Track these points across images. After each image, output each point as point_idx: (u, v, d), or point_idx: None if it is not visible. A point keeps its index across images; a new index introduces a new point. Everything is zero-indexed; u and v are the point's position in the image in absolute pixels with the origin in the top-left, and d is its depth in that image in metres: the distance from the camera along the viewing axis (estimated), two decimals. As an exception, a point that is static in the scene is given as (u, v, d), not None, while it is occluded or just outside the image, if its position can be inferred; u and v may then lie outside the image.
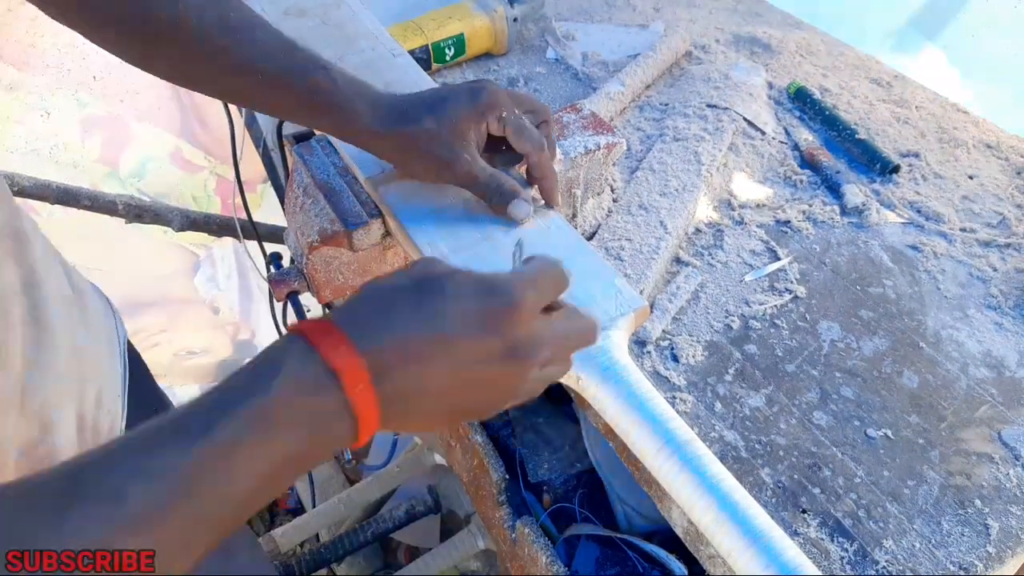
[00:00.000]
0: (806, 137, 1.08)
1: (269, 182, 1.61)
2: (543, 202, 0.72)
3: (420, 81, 0.97)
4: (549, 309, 0.51)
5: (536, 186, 0.71)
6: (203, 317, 2.15)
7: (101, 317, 0.74)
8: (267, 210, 1.71)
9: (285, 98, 0.67)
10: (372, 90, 0.67)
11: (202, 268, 2.25)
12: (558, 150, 0.79)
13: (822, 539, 0.64)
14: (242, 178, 1.42)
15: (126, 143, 1.45)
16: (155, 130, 1.46)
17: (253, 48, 0.65)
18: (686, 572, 0.91)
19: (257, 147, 1.57)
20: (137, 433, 0.37)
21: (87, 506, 0.34)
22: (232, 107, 1.49)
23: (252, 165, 1.72)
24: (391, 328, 0.44)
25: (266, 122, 1.59)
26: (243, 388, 0.40)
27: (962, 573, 0.62)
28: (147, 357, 0.89)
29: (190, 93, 1.47)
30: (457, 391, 0.46)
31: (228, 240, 2.20)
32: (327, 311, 1.80)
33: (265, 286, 2.09)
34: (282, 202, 1.67)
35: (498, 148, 0.70)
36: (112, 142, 1.43)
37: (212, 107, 1.51)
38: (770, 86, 1.17)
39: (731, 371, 0.77)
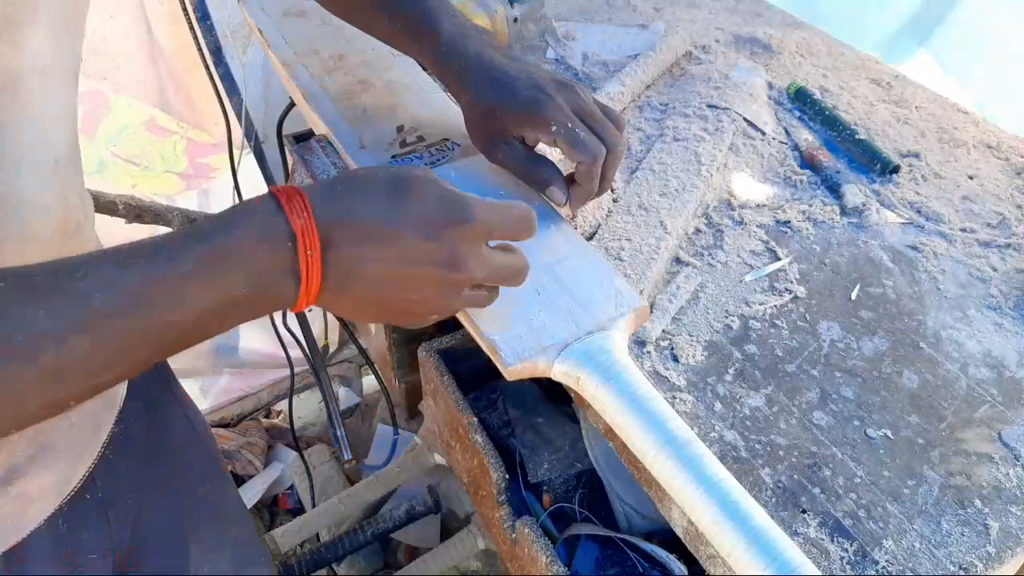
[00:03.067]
0: (806, 137, 1.08)
1: (249, 152, 1.62)
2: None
3: (420, 81, 0.97)
4: (506, 249, 0.56)
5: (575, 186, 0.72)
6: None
7: None
8: (252, 187, 1.70)
9: (404, 41, 0.76)
10: (474, 36, 0.72)
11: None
12: None
13: (822, 539, 0.64)
14: (215, 140, 1.44)
15: (104, 115, 1.47)
16: (131, 101, 1.49)
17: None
18: (686, 572, 0.91)
19: (249, 140, 1.57)
20: (119, 249, 0.43)
21: (56, 299, 0.39)
22: (230, 109, 1.49)
23: (222, 127, 1.69)
24: (353, 210, 0.49)
25: (258, 115, 1.59)
26: (211, 229, 0.45)
27: (962, 573, 0.62)
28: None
29: (168, 66, 1.49)
30: (392, 284, 0.50)
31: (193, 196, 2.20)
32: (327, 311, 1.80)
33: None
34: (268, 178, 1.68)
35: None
36: (92, 114, 1.46)
37: (192, 79, 1.53)
38: (770, 86, 1.17)
39: (731, 371, 0.77)
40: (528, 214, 0.56)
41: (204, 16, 1.40)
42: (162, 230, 2.01)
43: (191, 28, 1.38)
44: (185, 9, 1.35)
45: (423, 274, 0.51)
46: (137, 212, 1.59)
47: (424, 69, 0.92)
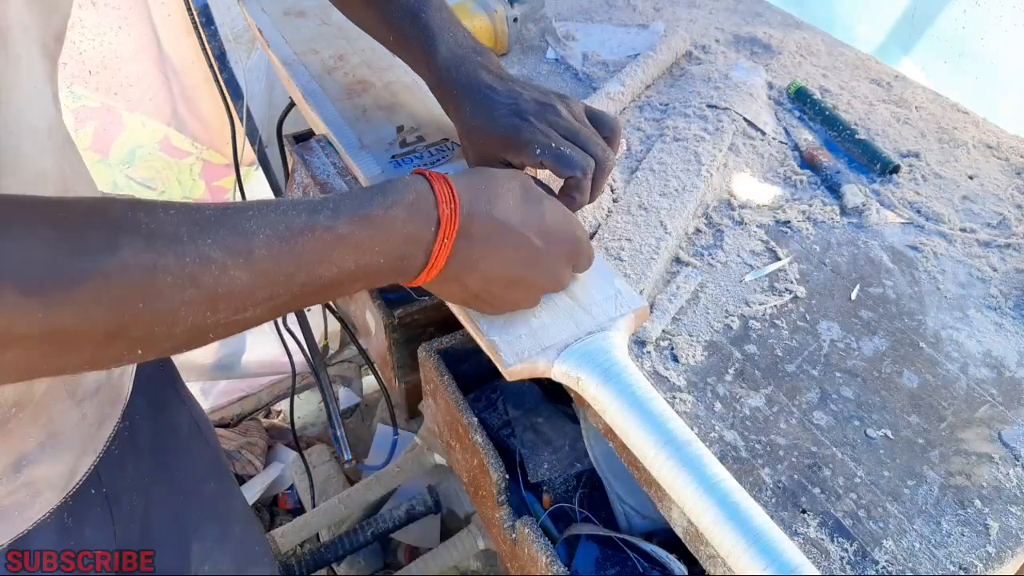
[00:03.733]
0: (806, 137, 1.08)
1: (258, 167, 1.62)
2: None
3: (420, 81, 0.97)
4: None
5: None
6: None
7: None
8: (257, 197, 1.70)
9: (406, 58, 0.79)
10: (468, 57, 0.73)
11: None
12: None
13: (822, 539, 0.64)
14: (226, 161, 1.43)
15: (117, 132, 1.46)
16: (145, 120, 1.48)
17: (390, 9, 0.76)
18: (686, 572, 0.91)
19: (253, 144, 1.57)
20: (284, 200, 0.47)
21: (224, 232, 0.42)
22: (233, 111, 1.49)
23: (245, 153, 1.70)
24: (492, 208, 0.55)
25: (262, 120, 1.59)
26: (370, 199, 0.50)
27: (962, 573, 0.62)
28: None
29: (180, 83, 1.48)
30: (501, 282, 0.57)
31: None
32: (326, 310, 1.80)
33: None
34: (274, 187, 1.67)
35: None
36: (104, 131, 1.45)
37: (203, 95, 1.52)
38: (770, 86, 1.17)
39: (731, 371, 0.77)
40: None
41: (208, 21, 1.40)
42: None
43: (197, 33, 1.38)
44: (190, 9, 1.35)
45: (529, 281, 0.59)
46: (137, 212, 1.59)
47: None
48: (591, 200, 0.71)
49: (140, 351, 0.42)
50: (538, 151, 0.67)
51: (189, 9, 1.36)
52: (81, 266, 0.37)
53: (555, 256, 0.59)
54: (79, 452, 0.66)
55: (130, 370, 0.75)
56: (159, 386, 0.83)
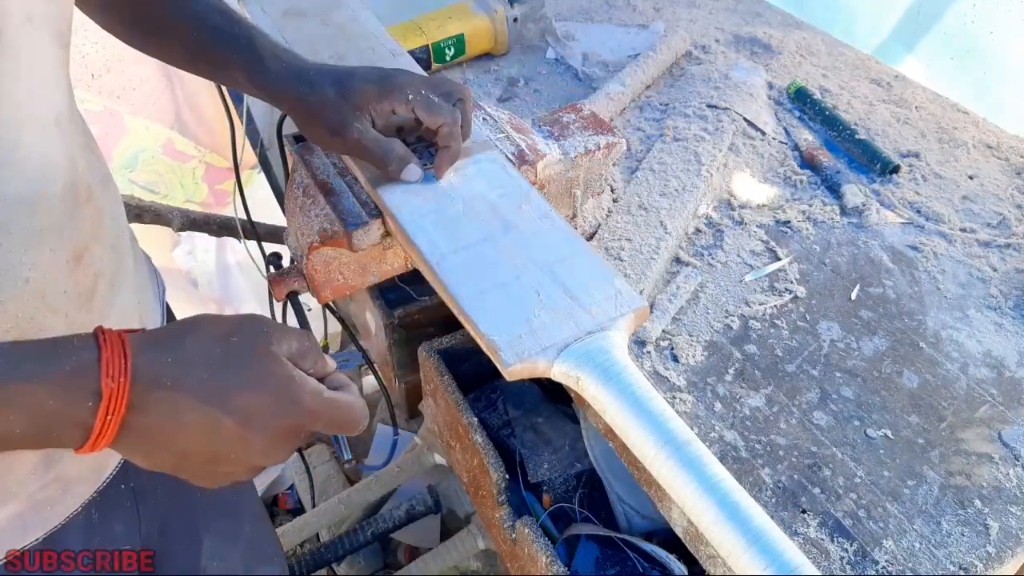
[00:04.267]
0: (806, 137, 1.08)
1: (260, 170, 1.62)
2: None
3: (420, 81, 0.97)
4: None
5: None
6: (182, 290, 2.16)
7: (146, 269, 0.81)
8: (258, 201, 1.70)
9: (216, 56, 0.73)
10: (291, 55, 0.72)
11: (181, 244, 2.25)
12: (555, 147, 0.79)
13: (822, 539, 0.64)
14: (227, 165, 1.43)
15: (120, 136, 1.46)
16: (148, 123, 1.48)
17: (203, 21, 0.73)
18: (686, 572, 0.91)
19: (254, 147, 1.57)
20: None
21: None
22: (234, 113, 1.49)
23: (247, 155, 1.70)
24: (178, 381, 0.46)
25: (263, 122, 1.59)
26: (17, 363, 0.43)
27: (962, 573, 0.62)
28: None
29: (184, 87, 1.47)
30: (194, 457, 0.48)
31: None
32: (326, 310, 1.80)
33: (243, 259, 2.08)
34: (281, 203, 1.67)
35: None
36: (107, 135, 1.45)
37: (205, 99, 1.52)
38: (770, 86, 1.17)
39: (731, 371, 0.77)
40: (357, 415, 0.53)
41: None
42: (163, 230, 2.02)
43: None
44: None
45: (234, 458, 0.49)
46: (137, 212, 1.59)
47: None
48: (444, 156, 0.72)
49: None
50: (411, 96, 0.69)
51: None
52: None
53: (262, 431, 0.48)
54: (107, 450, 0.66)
55: None
56: None
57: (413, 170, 0.71)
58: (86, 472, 0.65)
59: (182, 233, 2.27)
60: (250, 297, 2.19)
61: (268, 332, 0.49)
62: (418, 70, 0.97)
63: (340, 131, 0.68)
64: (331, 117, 0.69)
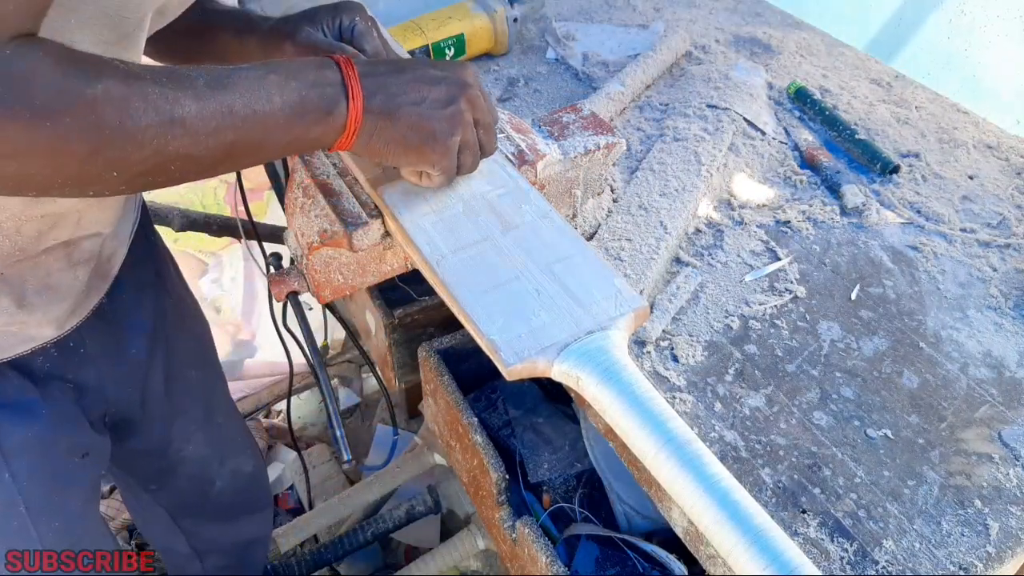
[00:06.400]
0: (806, 137, 1.08)
1: (273, 190, 1.62)
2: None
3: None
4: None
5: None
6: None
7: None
8: (272, 218, 1.71)
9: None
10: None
11: (209, 272, 2.25)
12: (555, 147, 0.80)
13: (822, 539, 0.64)
14: (248, 186, 1.43)
15: None
16: None
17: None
18: (686, 572, 0.91)
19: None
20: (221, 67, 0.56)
21: (176, 75, 0.53)
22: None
23: (258, 173, 1.72)
24: (386, 56, 0.72)
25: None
26: (281, 61, 0.60)
27: (962, 573, 0.62)
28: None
29: None
30: (425, 97, 0.64)
31: (237, 247, 2.21)
32: (327, 311, 1.80)
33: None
34: (282, 203, 1.67)
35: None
36: None
37: None
38: (770, 86, 1.17)
39: (731, 371, 0.77)
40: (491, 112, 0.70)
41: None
42: (190, 260, 2.03)
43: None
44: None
45: (444, 90, 0.64)
46: (137, 212, 1.59)
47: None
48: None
49: (115, 173, 0.51)
50: (356, 24, 0.80)
51: None
52: (74, 90, 0.47)
53: (454, 80, 0.65)
54: (69, 309, 0.77)
55: (120, 252, 0.84)
56: (146, 274, 0.93)
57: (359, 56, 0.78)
58: (47, 322, 0.75)
59: (209, 261, 2.28)
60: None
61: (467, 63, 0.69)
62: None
63: (293, 36, 0.77)
64: (292, 31, 0.78)
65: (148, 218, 0.97)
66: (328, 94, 0.59)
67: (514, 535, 0.99)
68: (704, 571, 0.70)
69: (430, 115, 0.64)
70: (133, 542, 1.53)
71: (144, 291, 0.92)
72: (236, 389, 2.08)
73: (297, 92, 0.57)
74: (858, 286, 0.86)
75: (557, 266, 0.67)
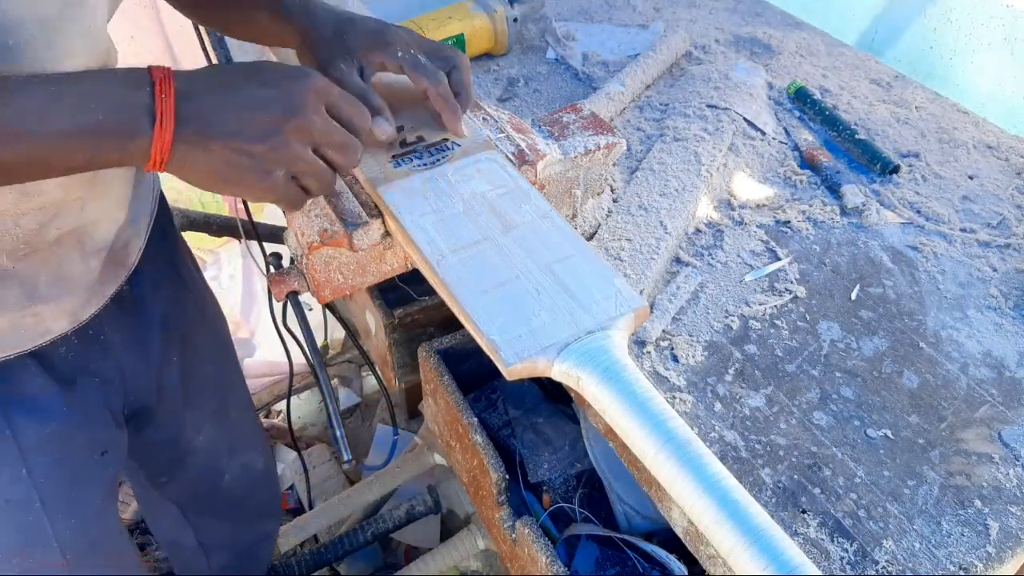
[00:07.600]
0: (806, 137, 1.08)
1: None
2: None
3: (420, 81, 0.97)
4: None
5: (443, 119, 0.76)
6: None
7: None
8: (271, 218, 1.70)
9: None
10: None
11: (207, 270, 2.25)
12: (555, 147, 0.79)
13: (822, 539, 0.64)
14: None
15: None
16: None
17: None
18: (686, 572, 0.91)
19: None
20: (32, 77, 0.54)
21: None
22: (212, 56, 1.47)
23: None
24: (210, 70, 0.58)
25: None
26: (87, 72, 0.56)
27: (962, 573, 0.62)
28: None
29: None
30: (237, 121, 0.56)
31: (235, 245, 2.20)
32: (327, 311, 1.80)
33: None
34: None
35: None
36: None
37: None
38: (770, 86, 1.17)
39: (731, 371, 0.77)
40: (362, 107, 0.63)
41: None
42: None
43: (200, 41, 1.37)
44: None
45: (267, 118, 0.57)
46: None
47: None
48: (467, 105, 0.75)
49: None
50: (400, 54, 0.73)
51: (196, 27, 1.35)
52: None
53: (291, 93, 0.58)
54: (84, 300, 0.76)
55: (136, 241, 0.82)
56: (165, 267, 0.92)
57: (382, 123, 0.71)
58: (61, 315, 0.74)
59: (207, 259, 2.27)
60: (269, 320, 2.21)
61: (313, 75, 0.60)
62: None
63: (325, 68, 0.71)
64: (322, 55, 0.73)
65: (166, 211, 0.95)
66: (129, 120, 0.53)
67: (514, 535, 0.99)
68: (704, 571, 0.69)
69: (248, 149, 0.56)
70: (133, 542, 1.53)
71: (161, 283, 0.91)
72: (236, 389, 2.07)
73: (94, 115, 0.53)
74: (858, 286, 0.86)
75: (557, 266, 0.67)
